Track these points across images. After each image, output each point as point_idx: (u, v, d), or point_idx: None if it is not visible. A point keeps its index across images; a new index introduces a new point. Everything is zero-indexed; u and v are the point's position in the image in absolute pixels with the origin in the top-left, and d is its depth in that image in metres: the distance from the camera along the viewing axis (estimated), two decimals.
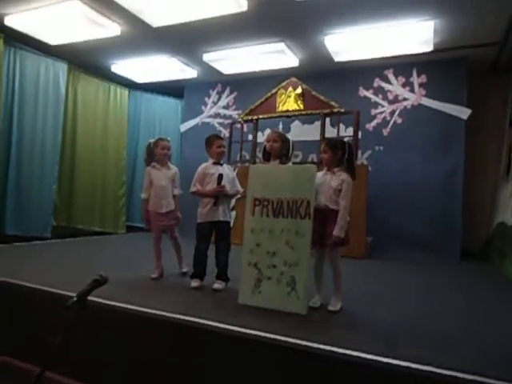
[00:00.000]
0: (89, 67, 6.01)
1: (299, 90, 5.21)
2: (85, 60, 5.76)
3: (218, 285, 2.82)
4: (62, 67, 5.55)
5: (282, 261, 2.37)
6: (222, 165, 2.99)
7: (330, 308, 2.38)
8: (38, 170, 5.31)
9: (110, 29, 4.54)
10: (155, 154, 3.15)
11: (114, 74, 6.25)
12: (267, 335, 1.85)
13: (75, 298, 1.28)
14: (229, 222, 2.98)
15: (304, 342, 1.78)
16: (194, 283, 2.86)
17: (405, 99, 5.41)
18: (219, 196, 2.87)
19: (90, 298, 1.37)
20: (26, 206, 5.16)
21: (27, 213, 5.16)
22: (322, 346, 1.74)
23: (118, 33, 4.64)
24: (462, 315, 2.52)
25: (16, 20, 4.50)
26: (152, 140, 3.23)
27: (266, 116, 5.51)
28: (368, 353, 1.68)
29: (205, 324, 1.99)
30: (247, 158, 5.92)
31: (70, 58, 5.56)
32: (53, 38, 4.97)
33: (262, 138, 5.65)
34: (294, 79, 5.27)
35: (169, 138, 3.26)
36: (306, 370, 1.74)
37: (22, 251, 4.21)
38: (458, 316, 2.49)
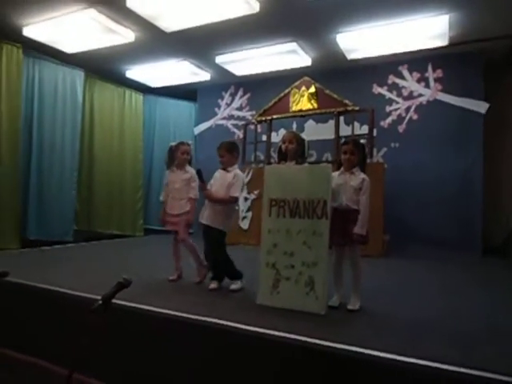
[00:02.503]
0: (104, 74, 6.14)
1: (312, 89, 5.20)
2: (100, 67, 5.88)
3: (234, 285, 2.85)
4: (79, 75, 5.69)
5: (300, 261, 2.37)
6: (228, 171, 2.95)
7: (350, 307, 2.37)
8: (58, 176, 5.45)
9: (125, 36, 4.63)
10: (175, 157, 3.19)
11: (129, 80, 6.37)
12: (287, 335, 1.86)
13: (100, 301, 1.31)
14: (216, 229, 2.87)
15: (324, 342, 1.78)
16: (212, 285, 2.89)
17: (420, 95, 5.35)
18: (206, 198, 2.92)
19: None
20: (48, 211, 5.29)
21: (49, 218, 5.30)
22: (342, 346, 1.74)
23: (133, 39, 4.73)
24: (486, 313, 2.47)
25: (34, 30, 4.63)
26: (173, 144, 3.25)
27: (279, 116, 5.52)
28: (390, 352, 1.67)
29: (224, 325, 2.01)
30: (261, 158, 5.94)
31: (86, 65, 5.69)
32: (70, 47, 5.10)
33: (276, 138, 5.66)
34: (306, 78, 5.27)
35: (190, 142, 3.29)
36: (327, 370, 1.74)
37: (45, 255, 4.32)
38: (481, 313, 2.45)
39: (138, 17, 4.20)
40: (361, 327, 2.10)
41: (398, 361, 1.62)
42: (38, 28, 4.58)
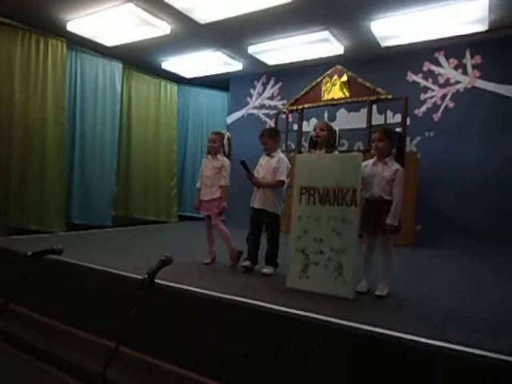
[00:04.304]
0: (141, 65, 6.36)
1: (344, 78, 5.17)
2: (137, 59, 6.10)
3: (266, 269, 2.97)
4: (118, 67, 5.93)
5: (329, 247, 2.45)
6: (272, 156, 3.08)
7: (378, 293, 2.43)
8: (99, 163, 5.76)
9: (161, 28, 4.78)
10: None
11: (164, 71, 6.55)
12: (316, 316, 1.96)
13: (146, 276, 1.45)
14: (269, 212, 3.02)
15: (351, 323, 1.86)
16: (245, 263, 3.03)
17: (457, 82, 5.19)
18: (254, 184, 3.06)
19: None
20: (90, 197, 5.63)
21: (91, 203, 5.64)
22: (368, 328, 1.82)
23: (168, 31, 4.87)
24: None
25: (77, 25, 4.87)
26: None
27: (311, 105, 5.52)
28: (417, 335, 1.73)
29: (256, 304, 2.13)
30: (292, 147, 5.98)
31: (124, 57, 5.92)
32: (109, 40, 5.32)
33: (307, 127, 5.69)
34: (339, 67, 5.24)
35: (223, 131, 3.42)
36: (353, 351, 1.82)
37: (89, 238, 4.62)
38: (510, 303, 2.44)
39: (173, 9, 4.33)
40: (388, 311, 2.16)
41: (425, 343, 1.67)
42: (80, 23, 4.81)
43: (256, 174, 3.08)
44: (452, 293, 2.66)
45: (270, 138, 3.07)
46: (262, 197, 3.04)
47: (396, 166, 2.48)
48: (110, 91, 5.86)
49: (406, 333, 1.75)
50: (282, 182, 3.04)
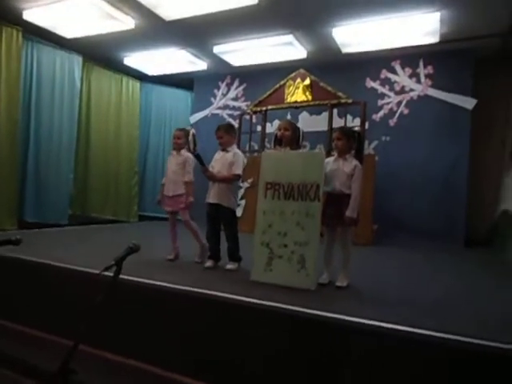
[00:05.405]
0: (102, 60, 6.19)
1: (307, 82, 5.33)
2: (98, 53, 5.93)
3: (230, 265, 3.00)
4: (77, 60, 5.73)
5: (293, 240, 2.53)
6: (228, 151, 3.09)
7: (338, 284, 2.54)
8: (55, 159, 5.52)
9: (125, 22, 4.69)
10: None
11: (126, 67, 6.41)
12: (278, 305, 2.02)
13: (113, 262, 1.44)
14: (225, 207, 3.01)
15: (312, 311, 1.94)
16: (208, 263, 3.05)
17: (411, 90, 5.51)
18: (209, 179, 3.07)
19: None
20: (45, 194, 5.38)
21: (46, 201, 5.38)
22: (329, 314, 1.91)
23: (132, 26, 4.79)
24: (458, 291, 2.71)
25: (34, 14, 4.67)
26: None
27: (274, 107, 5.64)
28: (373, 319, 1.84)
29: (220, 296, 2.16)
30: (256, 148, 6.06)
31: (84, 51, 5.74)
32: (68, 32, 5.14)
33: (270, 128, 5.80)
34: (302, 71, 5.39)
35: (187, 127, 3.42)
36: (313, 337, 1.90)
37: (43, 237, 4.41)
38: (456, 291, 2.67)
39: (138, 4, 4.27)
40: (348, 300, 2.27)
41: (380, 327, 1.80)
42: (38, 12, 4.61)
43: (211, 169, 3.08)
44: (403, 284, 2.86)
45: (226, 133, 3.09)
46: (217, 191, 3.03)
47: (355, 162, 2.62)
48: (69, 85, 5.64)
49: (362, 317, 1.87)
50: (238, 176, 3.05)
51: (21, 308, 2.75)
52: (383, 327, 1.79)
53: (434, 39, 4.74)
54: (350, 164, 2.60)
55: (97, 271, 2.43)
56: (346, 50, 5.22)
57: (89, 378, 2.03)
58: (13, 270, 2.89)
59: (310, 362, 1.87)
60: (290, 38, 4.99)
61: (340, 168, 2.61)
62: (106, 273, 1.45)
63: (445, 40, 4.79)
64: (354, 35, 4.79)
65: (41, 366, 2.19)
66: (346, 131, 2.73)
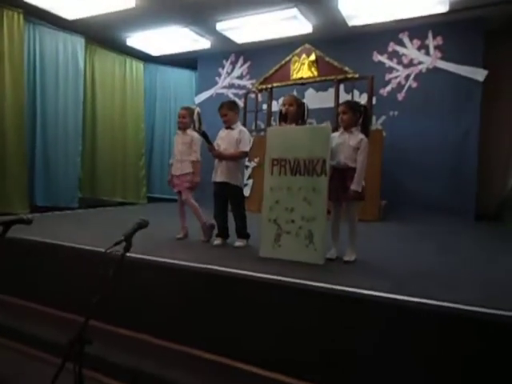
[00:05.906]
0: (105, 41, 6.12)
1: (313, 57, 5.22)
2: (101, 34, 5.86)
3: (238, 242, 3.02)
4: (80, 42, 5.68)
5: (300, 216, 2.53)
6: (233, 129, 3.06)
7: (346, 258, 2.55)
8: (63, 143, 5.55)
9: (125, 0, 4.60)
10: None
11: (129, 48, 6.34)
12: (287, 279, 2.04)
13: (122, 238, 1.46)
14: (233, 185, 3.00)
15: (321, 284, 1.96)
16: (217, 241, 3.07)
17: (420, 63, 5.38)
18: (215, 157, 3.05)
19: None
20: (54, 178, 5.44)
21: (55, 185, 5.45)
22: (337, 287, 1.92)
23: (133, 4, 4.71)
24: (466, 264, 2.70)
25: None
26: None
27: (280, 84, 5.55)
28: (382, 291, 1.85)
29: (230, 272, 2.18)
30: (262, 127, 6.01)
31: (86, 32, 5.67)
32: (70, 13, 5.07)
33: (276, 106, 5.71)
34: (307, 46, 5.27)
35: (192, 106, 3.39)
36: (323, 309, 1.92)
37: (54, 218, 4.48)
38: (464, 264, 2.66)
39: None
40: (355, 274, 2.28)
41: (387, 298, 1.81)
42: None
43: (217, 148, 3.06)
44: (409, 258, 2.85)
45: (230, 110, 3.05)
46: (224, 170, 3.01)
47: (361, 135, 2.58)
48: (73, 67, 5.61)
49: (371, 290, 1.88)
50: (246, 154, 3.03)
51: (33, 287, 2.82)
52: (394, 299, 1.80)
53: (443, 8, 4.58)
54: (356, 137, 2.57)
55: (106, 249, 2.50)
56: (352, 22, 5.08)
57: (104, 351, 2.12)
58: (24, 251, 2.94)
59: (321, 336, 1.90)
60: (294, 11, 4.86)
61: (346, 142, 2.59)
62: (116, 249, 1.47)
63: (454, 9, 4.62)
64: (361, 6, 4.64)
65: (53, 340, 2.27)
66: (351, 105, 2.68)
